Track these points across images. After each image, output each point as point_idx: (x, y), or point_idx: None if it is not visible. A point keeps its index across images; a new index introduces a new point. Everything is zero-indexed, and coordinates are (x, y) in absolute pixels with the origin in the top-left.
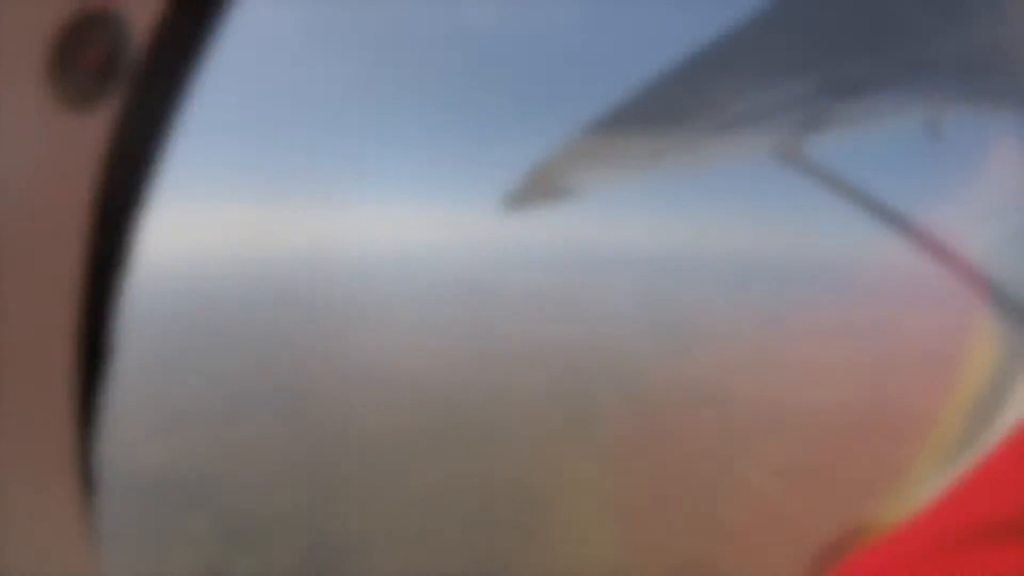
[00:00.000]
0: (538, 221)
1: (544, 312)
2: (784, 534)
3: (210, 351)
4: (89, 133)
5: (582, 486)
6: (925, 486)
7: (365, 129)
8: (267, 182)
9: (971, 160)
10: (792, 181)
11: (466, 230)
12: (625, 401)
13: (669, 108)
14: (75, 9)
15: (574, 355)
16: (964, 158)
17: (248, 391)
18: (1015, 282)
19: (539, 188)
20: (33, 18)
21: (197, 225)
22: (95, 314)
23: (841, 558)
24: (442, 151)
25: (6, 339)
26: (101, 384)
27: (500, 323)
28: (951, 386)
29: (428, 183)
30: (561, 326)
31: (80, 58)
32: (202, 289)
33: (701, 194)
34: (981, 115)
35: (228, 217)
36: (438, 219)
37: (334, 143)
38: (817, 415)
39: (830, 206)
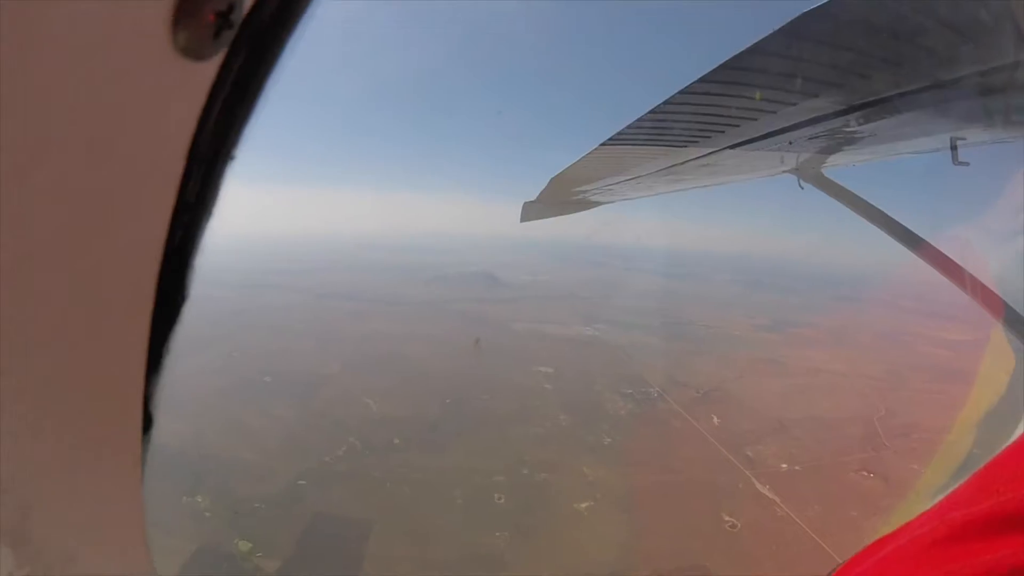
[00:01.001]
0: (556, 222)
1: (556, 307)
2: (787, 539)
3: (220, 335)
4: (198, 82)
5: (582, 485)
6: (931, 497)
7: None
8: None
9: (989, 181)
10: (811, 196)
11: (488, 225)
12: (631, 399)
13: (692, 121)
14: None
15: (583, 351)
16: (983, 179)
17: (256, 376)
18: None
19: (561, 193)
20: None
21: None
22: (177, 254)
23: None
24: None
25: (98, 267)
26: (176, 322)
27: (511, 315)
28: (961, 402)
29: (461, 179)
30: (571, 321)
31: (200, 12)
32: (217, 272)
33: (720, 203)
34: (1000, 136)
35: (243, 201)
36: (463, 212)
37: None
38: (824, 424)
39: (846, 222)
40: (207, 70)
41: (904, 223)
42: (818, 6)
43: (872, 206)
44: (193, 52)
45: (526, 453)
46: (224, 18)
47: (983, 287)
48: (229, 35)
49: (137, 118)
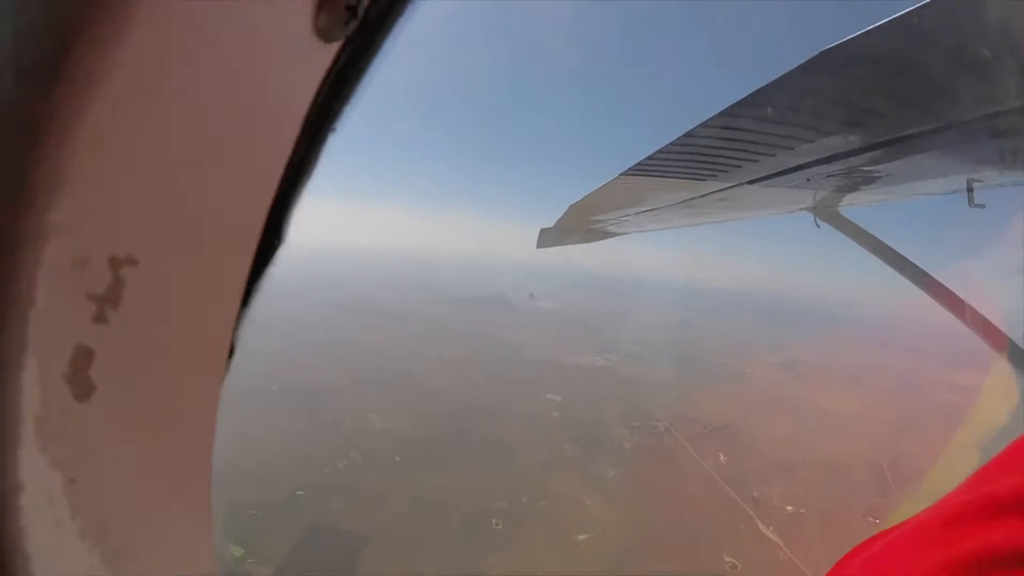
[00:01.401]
0: (573, 249)
1: (568, 335)
2: None
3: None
4: (321, 61)
5: (582, 516)
6: None
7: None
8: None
9: (999, 221)
10: (827, 234)
11: (502, 249)
12: (638, 433)
13: (710, 155)
14: None
15: (593, 380)
16: (993, 219)
17: (263, 384)
18: None
19: (579, 221)
20: None
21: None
22: (281, 203)
23: None
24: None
25: (221, 197)
26: (270, 264)
27: (523, 340)
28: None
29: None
30: (583, 350)
31: (340, 1)
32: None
33: (740, 237)
34: (1017, 179)
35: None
36: (482, 233)
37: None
38: (833, 467)
39: (860, 261)
40: (329, 51)
41: (923, 267)
42: (837, 44)
43: (889, 248)
44: (325, 34)
45: (528, 480)
46: (352, 10)
47: (998, 332)
48: (353, 24)
49: (274, 82)
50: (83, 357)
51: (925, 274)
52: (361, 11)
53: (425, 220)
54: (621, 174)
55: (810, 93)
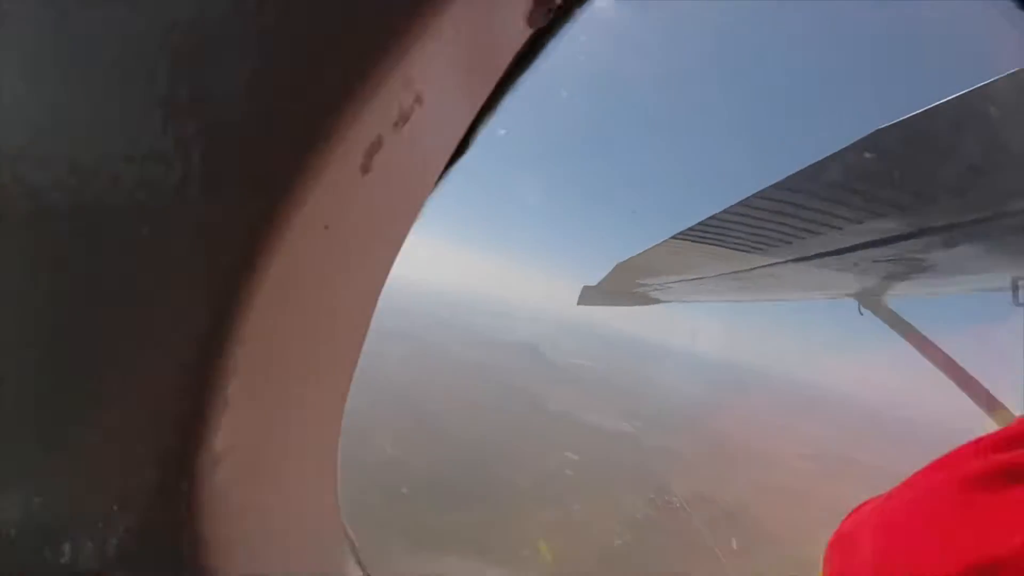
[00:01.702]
0: (612, 309)
1: (595, 395)
2: None
3: None
4: (522, 39)
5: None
6: None
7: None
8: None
9: None
10: (867, 322)
11: (540, 299)
12: (652, 505)
13: (762, 227)
14: None
15: (613, 444)
16: None
17: None
18: None
19: (623, 283)
20: None
21: None
22: (475, 123)
23: None
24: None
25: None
26: (460, 159)
27: (549, 393)
28: None
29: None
30: (608, 412)
31: (550, 3)
32: None
33: (779, 316)
34: None
35: None
36: (520, 280)
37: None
38: None
39: (901, 354)
40: (526, 32)
41: (971, 371)
42: (890, 124)
43: (931, 343)
44: (530, 21)
45: (531, 535)
46: (549, 10)
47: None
48: (550, 15)
49: (503, 48)
50: (378, 144)
51: (967, 375)
52: (554, 7)
53: (465, 257)
54: (671, 237)
55: (861, 172)
